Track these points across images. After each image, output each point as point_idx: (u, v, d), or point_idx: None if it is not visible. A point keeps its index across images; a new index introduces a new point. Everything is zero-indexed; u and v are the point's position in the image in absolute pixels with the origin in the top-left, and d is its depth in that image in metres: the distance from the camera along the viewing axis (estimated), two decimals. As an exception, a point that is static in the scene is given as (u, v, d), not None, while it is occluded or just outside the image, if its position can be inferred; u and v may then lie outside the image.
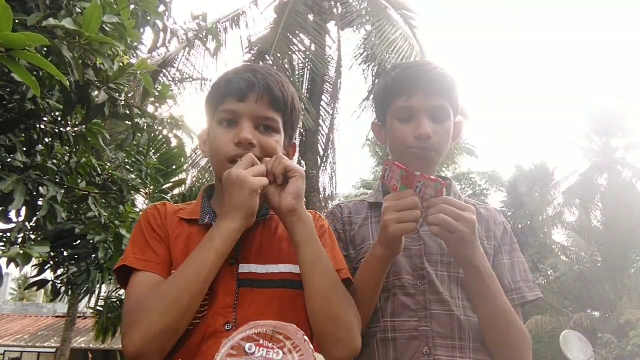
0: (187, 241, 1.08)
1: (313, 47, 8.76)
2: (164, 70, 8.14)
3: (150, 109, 2.46)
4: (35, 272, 2.63)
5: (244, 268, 1.06)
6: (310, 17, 8.93)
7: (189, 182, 7.69)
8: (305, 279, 1.03)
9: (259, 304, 1.03)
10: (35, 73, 1.92)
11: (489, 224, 1.34)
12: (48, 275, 2.67)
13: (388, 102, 1.31)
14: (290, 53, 8.38)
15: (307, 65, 9.02)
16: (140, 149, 3.16)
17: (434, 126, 1.24)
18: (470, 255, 1.10)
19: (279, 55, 7.88)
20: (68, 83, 1.76)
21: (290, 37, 8.38)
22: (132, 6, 2.12)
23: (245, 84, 1.09)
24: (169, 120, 2.49)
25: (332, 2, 9.34)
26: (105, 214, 2.53)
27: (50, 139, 2.46)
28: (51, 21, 1.53)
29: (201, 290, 0.97)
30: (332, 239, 1.20)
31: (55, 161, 2.52)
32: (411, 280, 1.22)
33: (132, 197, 2.90)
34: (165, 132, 2.60)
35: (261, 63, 7.75)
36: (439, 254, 1.25)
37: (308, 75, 9.19)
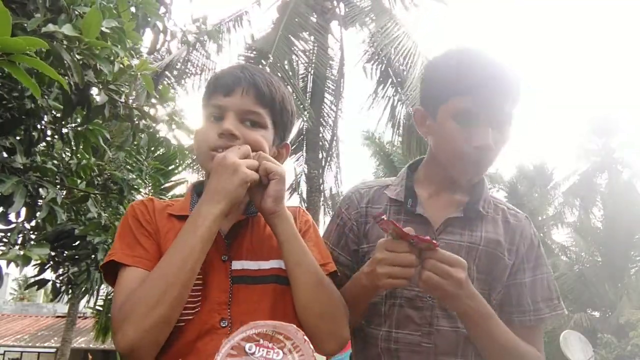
0: None
1: (315, 46, 8.78)
2: (166, 72, 8.14)
3: (151, 110, 2.46)
4: (35, 272, 2.63)
5: (237, 265, 1.06)
6: (313, 16, 8.95)
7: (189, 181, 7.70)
8: (290, 277, 1.05)
9: (252, 300, 1.03)
10: (34, 72, 1.91)
11: (515, 236, 1.24)
12: (48, 274, 2.68)
13: (444, 97, 1.15)
14: (292, 52, 8.38)
15: (310, 64, 9.04)
16: (141, 149, 3.16)
17: (494, 134, 1.12)
18: (455, 305, 1.08)
19: (280, 55, 7.88)
20: (68, 86, 1.77)
21: (292, 37, 8.38)
22: (132, 8, 2.12)
23: (231, 78, 1.09)
24: (167, 119, 2.49)
25: (335, 2, 9.35)
26: (105, 215, 2.53)
27: (50, 137, 2.46)
28: (50, 27, 1.53)
29: (189, 280, 0.96)
30: (317, 234, 1.20)
31: (55, 162, 2.53)
32: (421, 292, 1.18)
33: (133, 197, 2.91)
34: (164, 132, 2.60)
35: (263, 62, 7.77)
36: None
37: (311, 75, 9.22)
